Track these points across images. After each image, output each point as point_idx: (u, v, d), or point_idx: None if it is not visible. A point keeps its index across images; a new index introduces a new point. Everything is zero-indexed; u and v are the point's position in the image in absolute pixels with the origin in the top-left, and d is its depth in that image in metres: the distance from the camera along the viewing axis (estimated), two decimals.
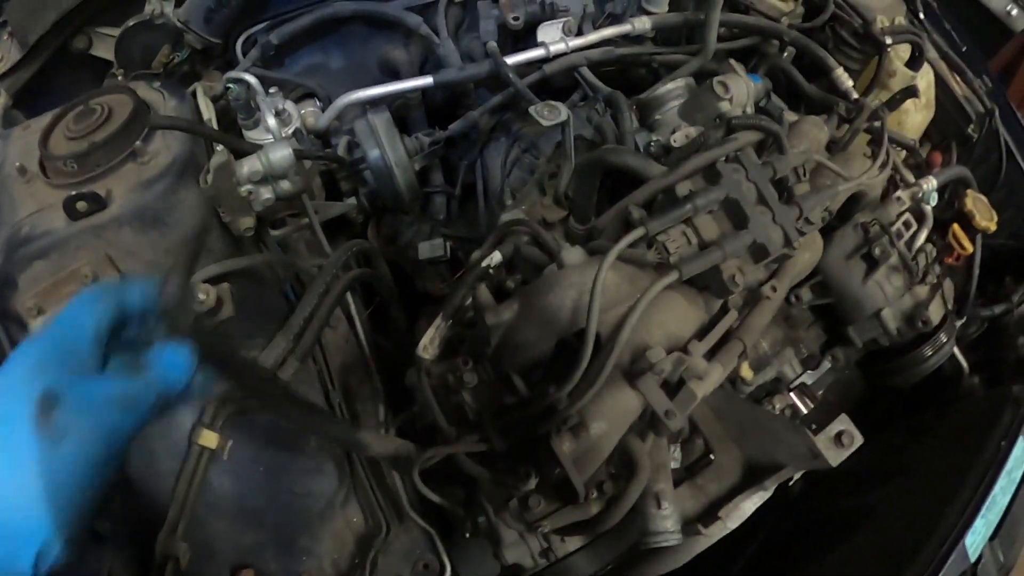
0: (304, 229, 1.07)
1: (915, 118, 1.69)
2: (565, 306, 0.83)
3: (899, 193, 1.33)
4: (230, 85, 1.06)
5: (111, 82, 1.08)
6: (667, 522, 0.97)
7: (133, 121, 0.89)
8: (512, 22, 1.33)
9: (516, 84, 1.25)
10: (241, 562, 0.87)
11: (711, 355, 0.87)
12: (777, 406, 1.21)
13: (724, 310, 0.94)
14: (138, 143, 0.88)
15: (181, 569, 0.82)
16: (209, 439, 0.82)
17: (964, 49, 1.90)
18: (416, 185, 1.29)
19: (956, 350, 1.54)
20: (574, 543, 1.09)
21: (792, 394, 1.32)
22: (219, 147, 0.95)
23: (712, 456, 1.13)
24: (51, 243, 0.82)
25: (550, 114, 1.02)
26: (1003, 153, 1.74)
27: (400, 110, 1.35)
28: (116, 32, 1.10)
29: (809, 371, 1.35)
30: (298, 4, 1.28)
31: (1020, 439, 1.34)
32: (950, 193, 1.52)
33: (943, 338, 1.31)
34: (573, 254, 0.89)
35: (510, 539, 1.02)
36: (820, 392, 1.46)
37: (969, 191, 1.50)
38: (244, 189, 0.89)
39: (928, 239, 1.38)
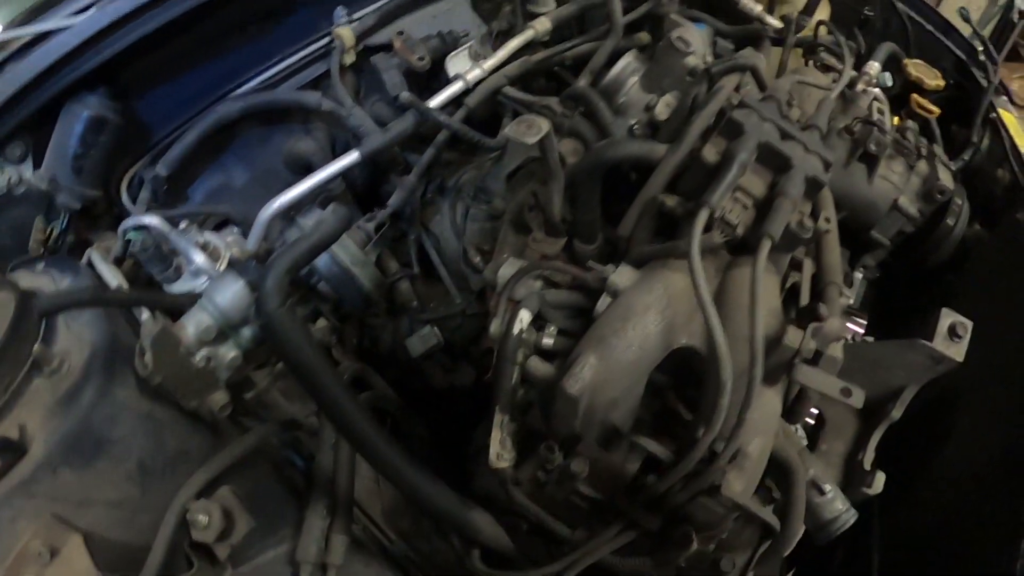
0: (278, 377, 0.85)
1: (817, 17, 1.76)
2: (650, 333, 0.70)
3: (860, 86, 1.35)
4: (130, 236, 0.86)
5: None
6: (836, 503, 0.91)
7: (20, 321, 0.67)
8: (418, 63, 1.20)
9: (452, 126, 1.13)
10: None
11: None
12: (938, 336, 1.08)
13: (795, 263, 0.87)
14: (36, 347, 0.65)
15: None
16: None
17: None
18: (381, 277, 1.16)
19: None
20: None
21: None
22: (145, 314, 0.74)
23: (823, 416, 1.05)
24: None
25: (529, 130, 0.86)
26: (904, 19, 1.82)
27: (327, 205, 1.17)
28: None
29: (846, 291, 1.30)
30: (175, 123, 1.10)
31: None
32: (891, 70, 1.60)
33: (958, 201, 1.33)
34: (622, 276, 0.76)
35: None
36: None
37: (907, 60, 1.57)
38: (199, 358, 0.69)
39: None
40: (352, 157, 1.09)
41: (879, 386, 1.07)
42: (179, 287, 0.86)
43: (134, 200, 1.08)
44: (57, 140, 0.95)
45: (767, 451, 0.73)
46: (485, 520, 0.77)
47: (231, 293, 0.72)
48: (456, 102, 1.19)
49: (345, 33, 1.17)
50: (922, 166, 1.32)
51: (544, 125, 0.82)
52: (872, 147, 1.23)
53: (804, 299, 0.83)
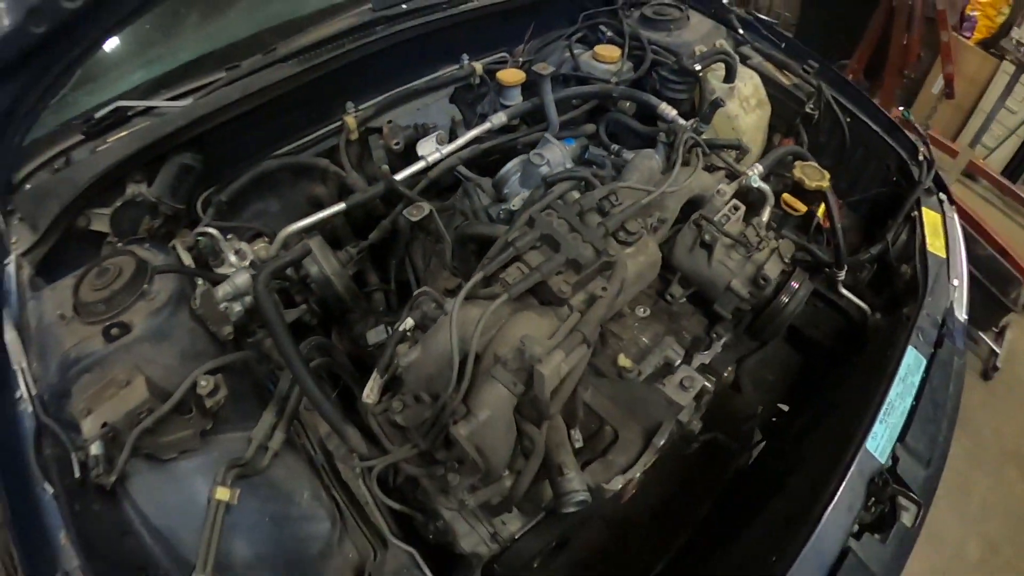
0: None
1: (748, 119, 2.12)
2: (446, 339, 1.18)
3: (721, 186, 1.64)
4: (199, 238, 1.47)
5: (112, 248, 1.47)
6: (571, 483, 1.24)
7: (138, 273, 1.30)
8: (394, 147, 1.78)
9: (405, 192, 1.65)
10: None
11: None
12: (669, 386, 1.39)
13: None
14: (145, 286, 1.28)
15: None
16: (223, 494, 1.15)
17: (784, 45, 2.34)
18: (353, 287, 1.60)
19: (854, 297, 1.91)
20: (514, 524, 1.36)
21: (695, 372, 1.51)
22: (200, 281, 1.36)
23: (617, 435, 1.45)
24: (94, 361, 1.20)
25: (416, 212, 1.44)
26: (840, 118, 2.12)
27: (331, 232, 1.73)
28: (107, 211, 1.50)
29: (704, 352, 1.59)
30: (236, 169, 1.70)
31: (909, 349, 1.58)
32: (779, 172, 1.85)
33: (794, 285, 1.54)
34: (452, 304, 1.29)
35: (463, 531, 1.31)
36: (729, 369, 1.75)
37: (798, 162, 1.81)
38: (222, 306, 1.30)
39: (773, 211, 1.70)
40: (340, 206, 1.62)
41: (650, 420, 1.43)
42: (220, 270, 1.47)
43: (204, 213, 1.60)
44: (163, 174, 1.54)
45: (497, 423, 1.13)
46: (354, 431, 1.24)
47: (242, 279, 1.33)
48: (425, 173, 1.74)
49: (350, 120, 1.77)
50: (759, 257, 1.55)
51: (425, 207, 1.41)
52: (706, 238, 1.54)
53: (557, 339, 1.20)
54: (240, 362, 1.32)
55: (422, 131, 1.83)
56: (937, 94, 3.97)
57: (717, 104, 1.82)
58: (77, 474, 1.09)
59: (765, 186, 1.72)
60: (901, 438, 1.43)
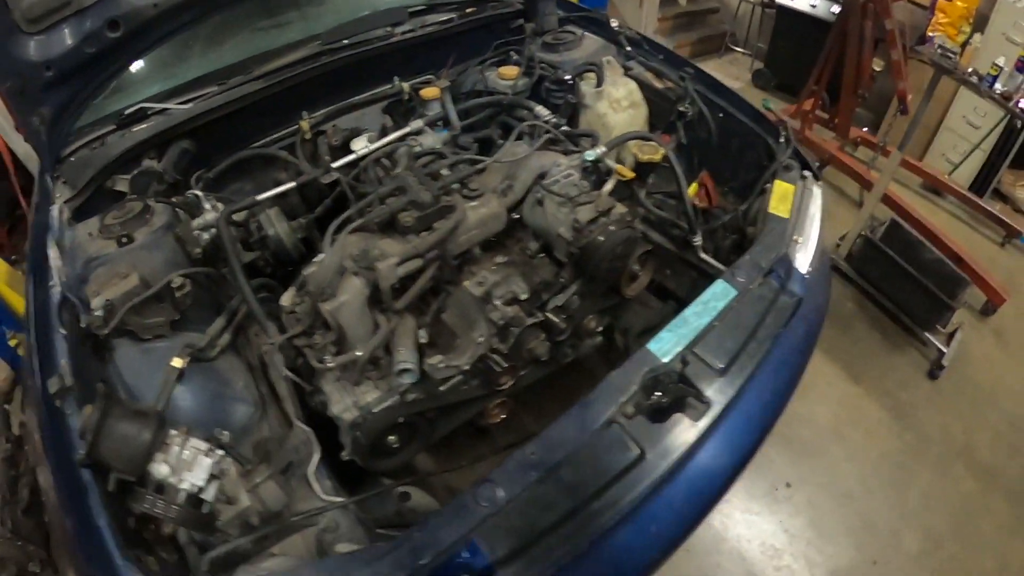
0: None
1: (618, 117, 2.58)
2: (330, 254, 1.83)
3: (558, 160, 2.08)
4: (188, 196, 2.15)
5: (129, 199, 2.15)
6: (400, 356, 1.71)
7: (144, 211, 1.99)
8: (333, 142, 2.42)
9: (341, 178, 2.27)
10: None
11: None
12: (470, 283, 1.90)
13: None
14: (147, 216, 1.96)
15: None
16: (178, 362, 1.73)
17: (662, 57, 2.79)
18: (300, 246, 2.07)
19: (710, 259, 2.21)
20: (372, 395, 1.75)
21: (548, 314, 1.98)
22: (183, 215, 2.03)
23: (458, 340, 1.92)
24: (107, 259, 1.87)
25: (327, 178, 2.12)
26: (705, 112, 2.45)
27: (291, 207, 2.27)
28: (127, 177, 2.19)
29: (557, 295, 1.99)
30: (221, 155, 2.38)
31: (719, 281, 1.83)
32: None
33: (611, 228, 1.86)
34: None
35: (335, 398, 1.79)
36: (590, 317, 2.08)
37: (634, 142, 2.21)
38: (195, 232, 1.97)
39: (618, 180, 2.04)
40: (291, 184, 2.18)
41: (470, 316, 1.92)
42: (200, 218, 2.14)
43: (195, 185, 2.26)
44: (169, 154, 2.23)
45: (354, 305, 1.69)
46: (273, 326, 1.80)
47: (210, 216, 2.00)
48: (357, 162, 2.36)
49: (304, 124, 2.42)
50: (580, 210, 1.90)
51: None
52: (538, 196, 1.96)
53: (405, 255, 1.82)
54: (205, 277, 1.96)
55: (357, 133, 2.49)
56: (895, 114, 4.26)
57: (570, 102, 2.44)
58: (83, 325, 1.72)
59: (610, 162, 2.08)
60: (692, 347, 1.65)
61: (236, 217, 2.15)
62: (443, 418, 2.03)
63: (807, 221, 2.13)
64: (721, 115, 2.51)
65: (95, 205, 2.16)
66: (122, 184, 2.21)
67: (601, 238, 1.88)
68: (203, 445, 1.44)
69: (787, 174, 2.25)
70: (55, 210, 2.08)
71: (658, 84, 2.70)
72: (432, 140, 2.32)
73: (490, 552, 1.30)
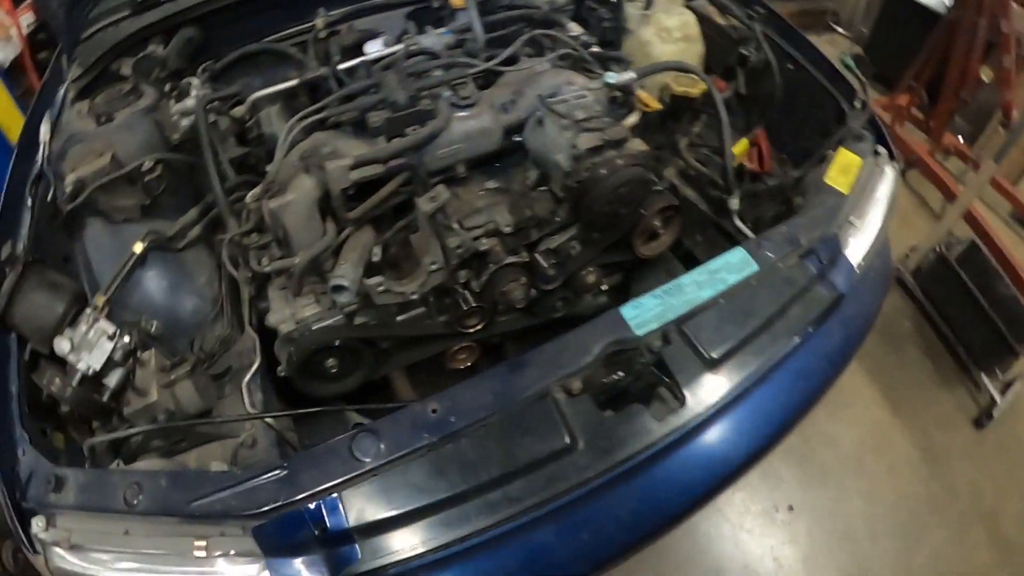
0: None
1: (664, 48, 2.30)
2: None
3: (573, 78, 1.83)
4: (182, 84, 2.11)
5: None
6: (339, 271, 1.53)
7: (132, 92, 1.96)
8: (347, 43, 2.30)
9: (343, 79, 2.13)
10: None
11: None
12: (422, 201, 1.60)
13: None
14: (132, 97, 1.93)
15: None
16: (138, 247, 1.73)
17: None
18: None
19: (742, 224, 1.94)
20: (310, 309, 1.65)
21: (537, 255, 1.76)
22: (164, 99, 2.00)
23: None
24: (85, 136, 1.87)
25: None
26: (772, 60, 2.14)
27: (295, 104, 2.19)
28: (132, 61, 2.18)
29: (552, 236, 1.78)
30: (230, 47, 2.32)
31: (738, 248, 1.53)
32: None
33: (618, 163, 1.61)
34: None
35: (275, 307, 1.69)
36: (590, 270, 1.86)
37: (671, 73, 2.00)
38: (174, 117, 1.92)
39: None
40: (294, 82, 2.09)
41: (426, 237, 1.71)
42: (180, 103, 2.07)
43: (200, 75, 2.21)
44: (175, 41, 2.21)
45: (301, 205, 1.57)
46: (235, 222, 1.74)
47: (191, 101, 1.95)
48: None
49: (320, 22, 2.31)
50: (585, 136, 1.62)
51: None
52: (538, 114, 1.71)
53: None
54: (181, 164, 1.93)
55: (372, 35, 2.35)
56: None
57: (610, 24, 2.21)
58: (50, 199, 1.73)
59: (635, 92, 1.85)
60: (680, 324, 1.38)
61: (237, 113, 2.10)
62: (396, 351, 1.91)
63: (870, 203, 1.81)
64: (790, 66, 2.19)
65: (96, 86, 2.16)
66: (127, 68, 2.20)
67: (603, 172, 1.63)
68: (110, 328, 1.41)
69: (857, 144, 1.92)
70: (62, 90, 2.11)
71: (721, 20, 2.40)
72: (431, 41, 2.14)
73: (352, 517, 1.12)
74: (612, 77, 1.87)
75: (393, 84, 1.75)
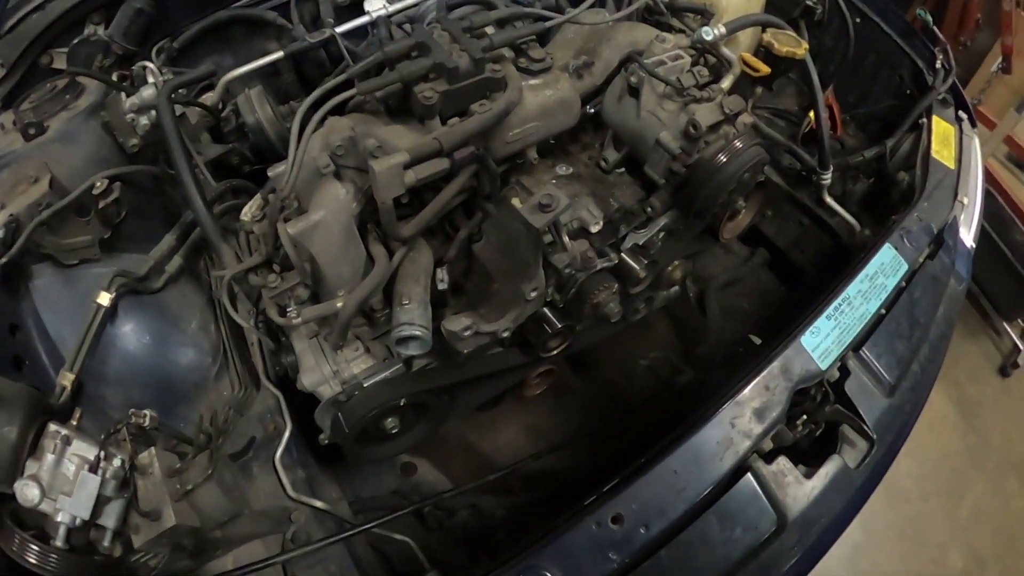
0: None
1: (732, 1, 1.93)
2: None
3: (661, 34, 1.51)
4: (134, 70, 1.64)
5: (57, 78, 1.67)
6: (406, 314, 1.15)
7: (68, 88, 1.49)
8: (341, 2, 1.86)
9: (342, 44, 1.68)
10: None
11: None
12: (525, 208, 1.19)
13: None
14: (67, 97, 1.47)
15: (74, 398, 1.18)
16: (104, 298, 1.31)
17: None
18: (286, 135, 1.49)
19: (840, 208, 1.81)
20: (359, 365, 1.30)
21: (625, 255, 1.48)
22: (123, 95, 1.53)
23: (496, 287, 1.32)
24: (12, 159, 1.42)
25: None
26: (846, 14, 2.01)
27: (283, 88, 1.81)
28: (65, 51, 1.70)
29: (638, 230, 1.50)
30: (189, 18, 1.85)
31: (887, 246, 1.39)
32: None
33: (737, 144, 1.34)
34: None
35: (308, 365, 1.29)
36: (675, 264, 1.67)
37: (770, 29, 1.66)
38: (128, 117, 1.46)
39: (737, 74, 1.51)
40: (279, 54, 1.64)
41: (523, 265, 1.27)
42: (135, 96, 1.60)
43: (156, 58, 1.73)
44: (118, 17, 1.73)
45: (333, 226, 1.14)
46: (228, 249, 1.29)
47: (148, 92, 1.47)
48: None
49: None
50: (695, 108, 1.34)
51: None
52: (632, 80, 1.40)
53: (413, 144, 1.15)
54: (146, 177, 1.48)
55: None
56: (994, 71, 3.71)
57: None
58: None
59: (727, 52, 1.56)
60: (856, 348, 1.22)
61: (208, 100, 1.65)
62: (463, 391, 1.51)
63: (971, 178, 1.73)
64: (858, 20, 2.05)
65: (26, 88, 1.69)
66: (60, 60, 1.74)
67: (723, 158, 1.33)
68: (90, 450, 0.99)
69: (943, 111, 1.86)
70: None
71: None
72: None
73: None
74: (708, 32, 1.51)
75: (446, 44, 1.27)
